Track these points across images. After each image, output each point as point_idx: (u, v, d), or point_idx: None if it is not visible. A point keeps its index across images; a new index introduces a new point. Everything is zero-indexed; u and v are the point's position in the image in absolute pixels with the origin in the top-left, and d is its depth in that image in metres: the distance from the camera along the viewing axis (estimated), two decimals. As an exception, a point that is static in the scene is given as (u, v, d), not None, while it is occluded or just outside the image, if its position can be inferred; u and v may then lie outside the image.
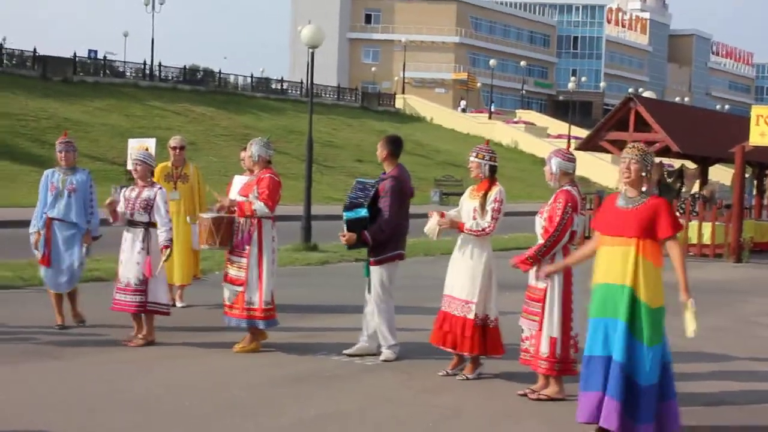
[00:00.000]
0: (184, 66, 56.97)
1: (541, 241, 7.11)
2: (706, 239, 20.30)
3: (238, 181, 9.00)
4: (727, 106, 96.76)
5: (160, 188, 8.82)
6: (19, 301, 10.86)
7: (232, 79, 59.88)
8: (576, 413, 6.06)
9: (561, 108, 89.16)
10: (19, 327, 9.24)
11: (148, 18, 66.26)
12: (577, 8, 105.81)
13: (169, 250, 8.57)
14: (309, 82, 22.28)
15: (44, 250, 9.31)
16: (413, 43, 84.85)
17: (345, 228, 8.19)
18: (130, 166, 11.85)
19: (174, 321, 9.32)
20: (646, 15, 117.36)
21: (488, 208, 7.54)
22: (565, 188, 7.13)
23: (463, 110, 74.40)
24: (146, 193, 8.71)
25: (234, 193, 8.81)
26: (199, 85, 55.78)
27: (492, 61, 75.94)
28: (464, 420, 6.60)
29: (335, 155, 47.13)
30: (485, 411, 6.83)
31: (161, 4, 61.83)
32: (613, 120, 21.89)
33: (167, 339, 8.83)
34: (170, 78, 54.20)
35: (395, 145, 8.40)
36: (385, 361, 8.21)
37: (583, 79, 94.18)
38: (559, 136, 61.93)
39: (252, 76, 61.30)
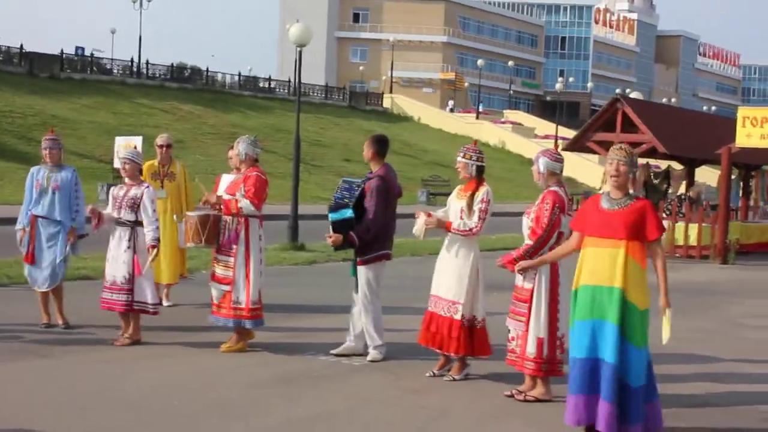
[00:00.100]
0: (172, 64, 56.94)
1: (528, 241, 7.13)
2: (693, 240, 20.39)
3: (226, 180, 8.97)
4: (713, 108, 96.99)
5: (148, 187, 8.78)
6: (5, 299, 10.81)
7: (219, 77, 59.84)
8: (564, 415, 6.06)
9: (548, 108, 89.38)
10: (5, 325, 9.20)
11: (135, 15, 66.30)
12: (565, 8, 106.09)
13: (156, 249, 8.55)
14: (297, 80, 22.24)
15: (28, 247, 9.27)
16: (401, 42, 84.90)
17: (331, 229, 8.19)
18: (117, 164, 11.82)
19: (161, 320, 9.29)
20: (634, 16, 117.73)
21: (475, 208, 7.54)
22: (552, 189, 7.14)
23: (451, 110, 74.45)
24: (134, 191, 8.67)
25: (221, 192, 8.79)
26: (187, 83, 55.73)
27: (480, 61, 75.99)
28: (451, 421, 6.61)
29: (323, 154, 47.11)
30: (472, 412, 6.85)
31: (149, 1, 61.80)
32: (600, 121, 21.94)
33: (155, 338, 8.81)
34: (158, 76, 54.08)
35: (381, 145, 8.39)
36: (372, 361, 8.21)
37: (571, 79, 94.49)
38: (547, 137, 62.06)
39: (240, 75, 61.21)
